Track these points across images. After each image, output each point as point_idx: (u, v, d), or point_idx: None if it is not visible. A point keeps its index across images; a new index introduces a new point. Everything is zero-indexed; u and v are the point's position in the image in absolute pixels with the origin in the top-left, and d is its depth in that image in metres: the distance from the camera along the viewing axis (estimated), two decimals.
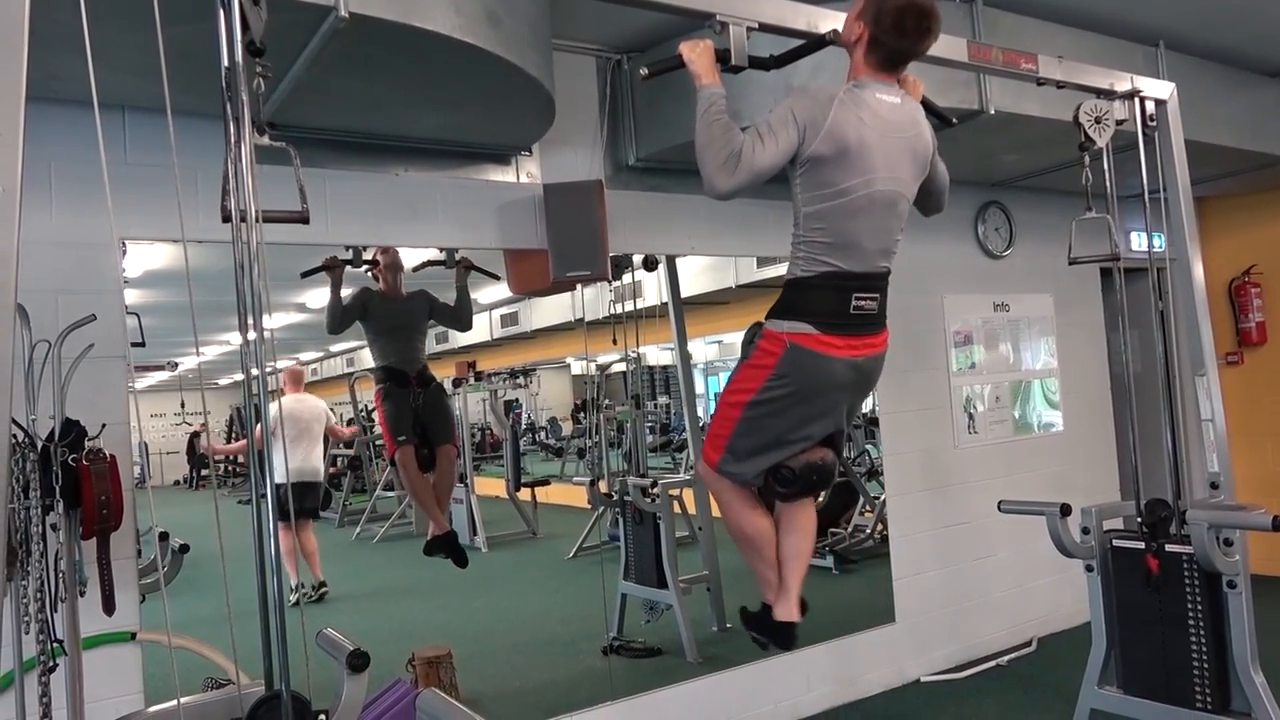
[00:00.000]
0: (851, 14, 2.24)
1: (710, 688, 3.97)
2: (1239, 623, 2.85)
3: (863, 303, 2.23)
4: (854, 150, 2.14)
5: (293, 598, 4.82)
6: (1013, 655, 4.81)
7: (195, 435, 6.40)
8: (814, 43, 2.34)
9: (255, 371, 1.58)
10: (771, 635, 2.49)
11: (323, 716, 1.61)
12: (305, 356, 6.69)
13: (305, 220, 1.70)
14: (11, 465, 1.79)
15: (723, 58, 2.24)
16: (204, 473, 6.74)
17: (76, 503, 2.14)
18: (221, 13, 1.54)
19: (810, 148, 2.14)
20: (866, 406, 4.65)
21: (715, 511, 5.05)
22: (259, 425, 1.58)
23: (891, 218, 2.26)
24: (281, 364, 6.18)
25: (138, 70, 2.31)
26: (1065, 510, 3.12)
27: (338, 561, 5.99)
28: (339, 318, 4.10)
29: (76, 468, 2.12)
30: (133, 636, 2.76)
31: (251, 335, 1.57)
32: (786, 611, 2.45)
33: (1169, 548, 3.03)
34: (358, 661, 1.73)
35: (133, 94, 2.66)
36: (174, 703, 1.63)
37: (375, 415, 4.46)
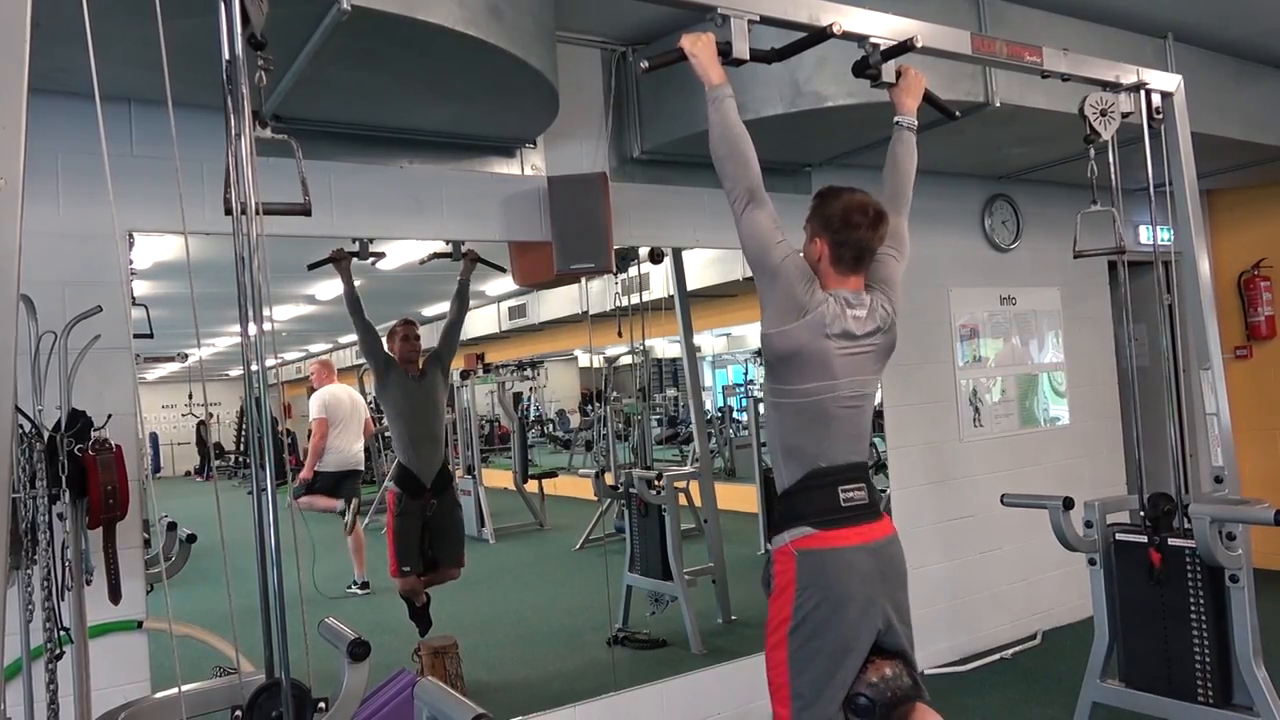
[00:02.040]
0: (805, 245, 2.34)
1: (715, 679, 3.98)
2: (1241, 617, 2.85)
3: (851, 493, 2.25)
4: (810, 359, 2.22)
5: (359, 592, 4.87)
6: (1017, 649, 4.81)
7: (201, 424, 6.43)
8: (815, 35, 2.33)
9: (255, 365, 1.59)
10: None
11: (323, 704, 1.63)
12: (314, 348, 6.72)
13: (307, 213, 1.72)
14: (15, 454, 1.81)
15: (724, 51, 2.24)
16: (217, 463, 6.79)
17: (83, 492, 2.16)
18: (222, 6, 1.55)
19: (768, 327, 2.23)
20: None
21: (720, 504, 5.09)
22: (259, 416, 1.59)
23: (860, 417, 2.33)
24: (288, 356, 6.22)
25: (143, 63, 2.32)
26: (1068, 504, 3.12)
27: (345, 552, 6.02)
28: (358, 306, 4.12)
29: (83, 458, 2.14)
30: (139, 625, 2.78)
31: (253, 328, 1.58)
32: None
33: (1172, 542, 3.02)
34: (358, 650, 1.75)
35: (138, 86, 2.67)
36: (175, 690, 1.65)
37: (386, 524, 4.39)
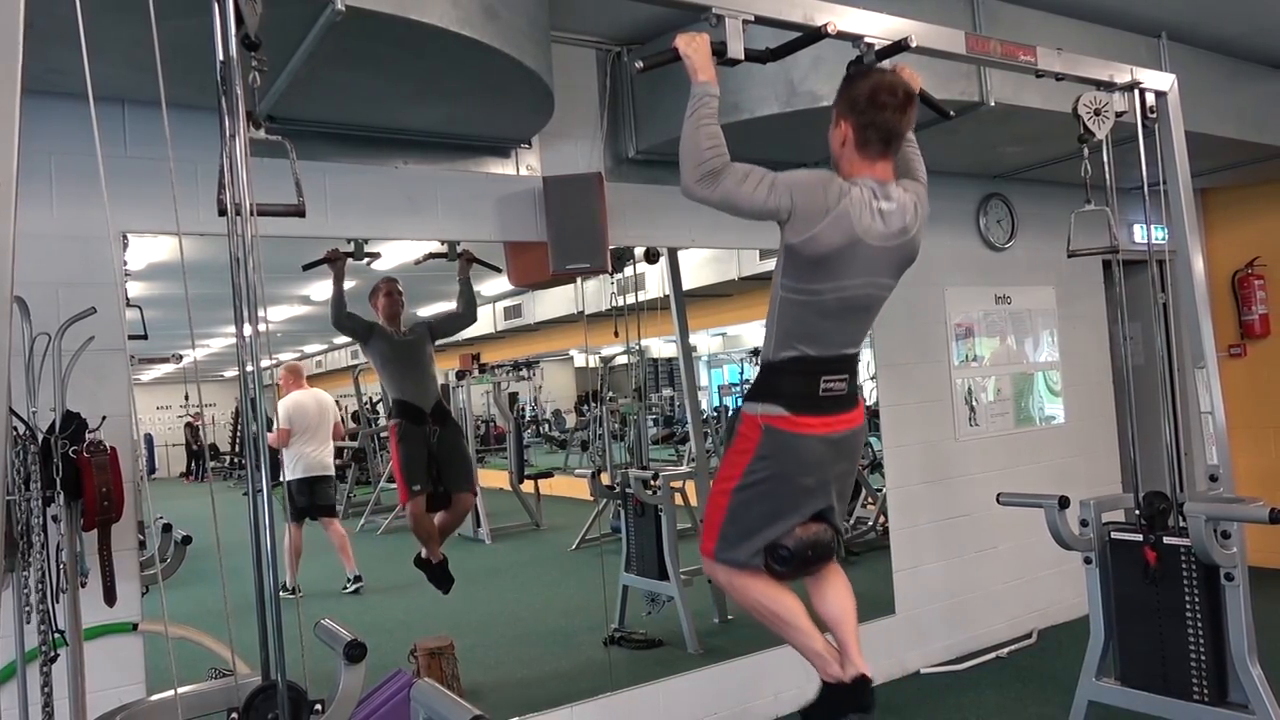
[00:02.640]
0: (831, 126, 2.30)
1: (711, 679, 3.98)
2: (1236, 615, 2.85)
3: (831, 384, 2.27)
4: (833, 259, 2.19)
5: (288, 596, 4.89)
6: (1012, 647, 4.81)
7: (188, 427, 6.43)
8: (810, 35, 2.34)
9: (250, 367, 1.59)
10: (848, 703, 2.39)
11: (319, 706, 1.63)
12: (309, 349, 6.72)
13: (301, 214, 1.72)
14: (10, 456, 1.81)
15: (719, 51, 2.24)
16: (212, 464, 6.78)
17: (77, 494, 2.15)
18: (216, 7, 1.55)
19: (792, 237, 2.18)
20: (869, 400, 4.65)
21: None
22: (255, 419, 1.59)
23: (864, 318, 2.34)
24: (283, 357, 6.21)
25: (137, 64, 2.31)
26: (1064, 503, 3.13)
27: (331, 551, 6.02)
28: (342, 311, 4.11)
29: (77, 460, 2.13)
30: (134, 627, 2.77)
31: (248, 329, 1.58)
32: (853, 669, 2.37)
33: (1167, 540, 3.03)
34: (355, 652, 1.75)
35: (132, 87, 2.66)
36: (171, 692, 1.65)
37: (389, 451, 4.40)
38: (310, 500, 5.05)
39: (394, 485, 6.35)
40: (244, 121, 1.55)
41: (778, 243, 2.27)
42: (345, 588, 5.05)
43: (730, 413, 2.41)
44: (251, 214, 1.55)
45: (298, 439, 5.07)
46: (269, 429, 4.93)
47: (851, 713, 2.40)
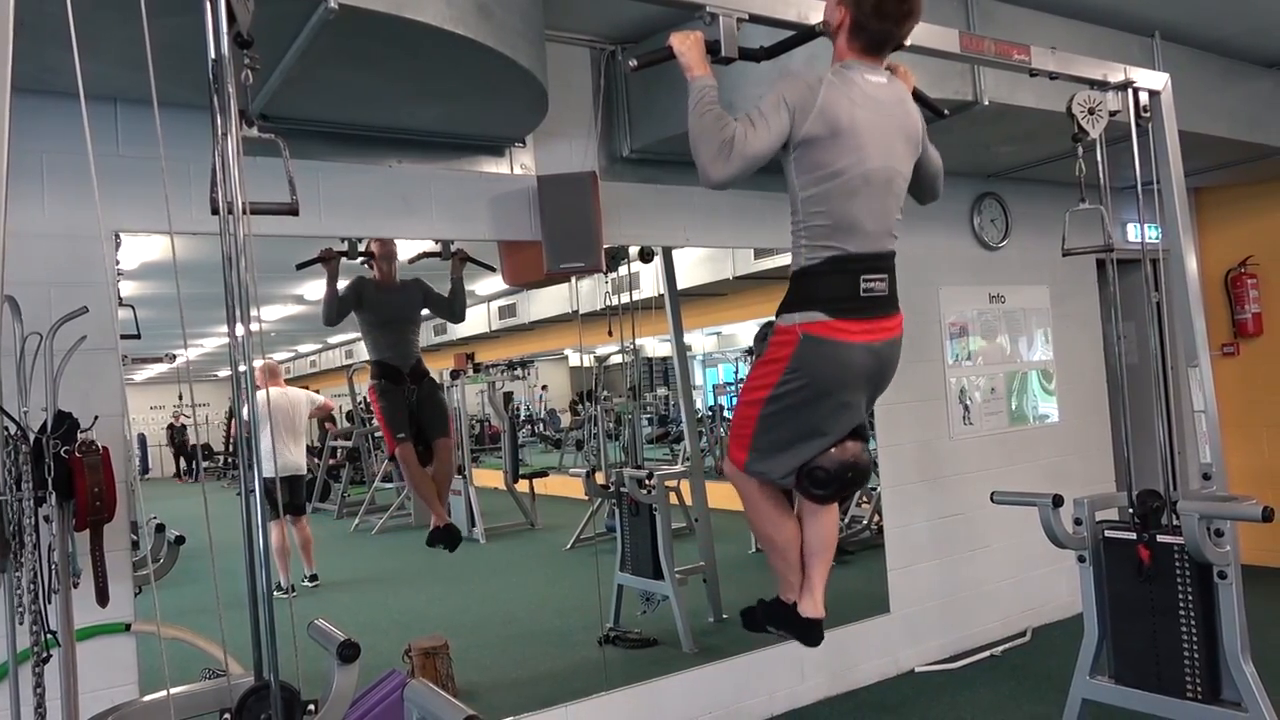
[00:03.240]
0: (828, 5, 2.24)
1: (706, 678, 3.99)
2: (1229, 613, 2.86)
3: (872, 283, 2.17)
4: (845, 129, 2.12)
5: (282, 595, 4.89)
6: (1007, 646, 4.83)
7: (171, 427, 6.43)
8: (804, 34, 2.34)
9: (243, 366, 1.59)
10: (797, 631, 2.45)
11: (312, 707, 1.62)
12: (303, 348, 6.70)
13: (295, 212, 1.71)
14: (2, 456, 1.80)
15: (713, 49, 2.24)
16: (205, 465, 6.77)
17: (69, 495, 2.14)
18: (208, 5, 1.54)
19: (802, 130, 2.12)
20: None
21: (711, 503, 5.09)
22: (247, 419, 1.58)
23: (889, 196, 2.23)
24: (277, 356, 6.20)
25: (129, 62, 2.31)
26: (1058, 501, 3.13)
27: (336, 553, 6.01)
28: (335, 309, 4.11)
29: (69, 460, 2.12)
30: (127, 628, 2.76)
31: (240, 329, 1.57)
32: (813, 607, 2.42)
33: (1160, 538, 3.04)
34: (348, 652, 1.74)
35: (124, 86, 2.66)
36: (164, 693, 1.64)
37: (372, 410, 4.45)
38: (286, 498, 5.08)
39: (388, 485, 6.39)
40: (236, 120, 1.54)
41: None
42: (303, 582, 5.13)
43: (761, 327, 2.32)
44: (244, 212, 1.55)
45: (262, 434, 5.07)
46: (261, 429, 4.93)
47: (799, 639, 2.47)
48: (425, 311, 4.50)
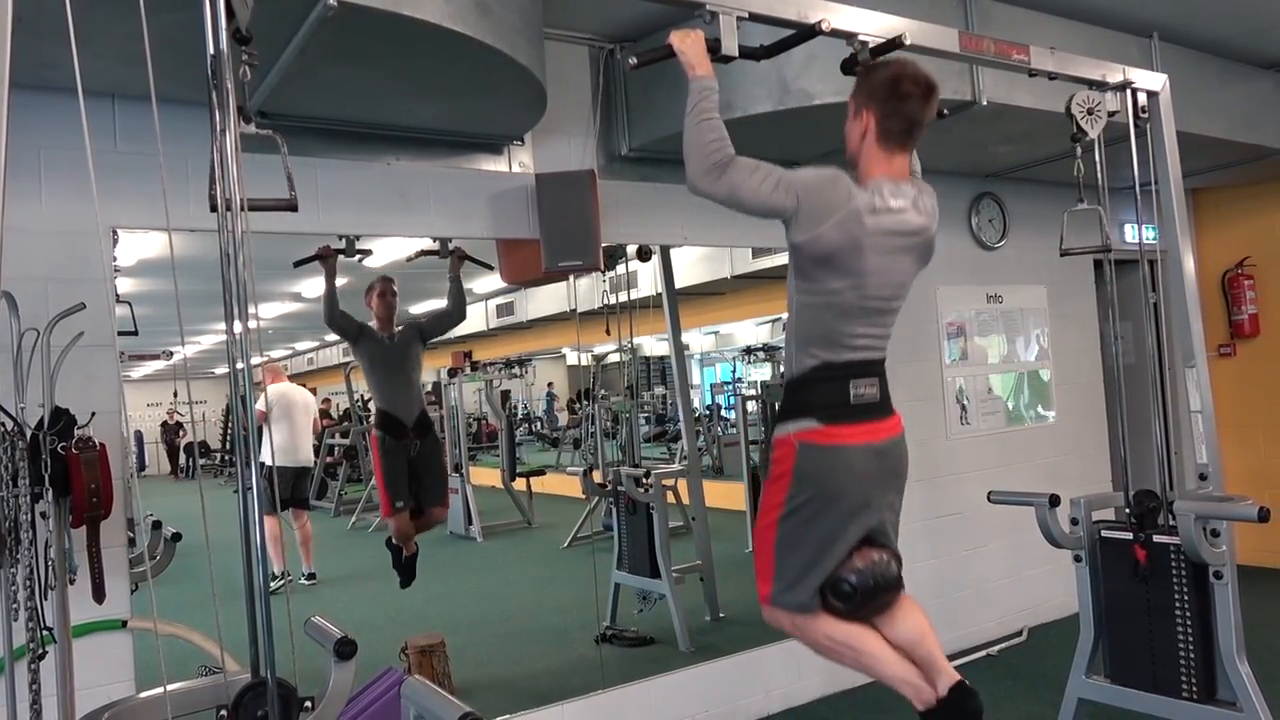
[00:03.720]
0: (849, 119, 2.23)
1: (702, 676, 3.98)
2: (1225, 613, 2.86)
3: (862, 390, 2.17)
4: (849, 256, 2.10)
5: (274, 584, 4.90)
6: (1003, 645, 4.83)
7: (164, 425, 6.45)
8: (804, 33, 2.33)
9: (241, 364, 1.58)
10: (963, 717, 2.19)
11: (309, 703, 1.62)
12: (301, 346, 6.70)
13: (293, 208, 1.71)
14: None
15: (713, 47, 2.23)
16: (202, 463, 6.77)
17: (66, 491, 2.14)
18: (207, 1, 1.54)
19: (807, 233, 2.10)
20: None
21: (708, 502, 5.09)
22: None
23: (886, 317, 2.25)
24: (274, 354, 6.21)
25: (127, 58, 2.31)
26: (1054, 501, 3.13)
27: (333, 550, 6.01)
28: (335, 308, 4.10)
29: (66, 456, 2.12)
30: (124, 624, 2.76)
31: (238, 326, 1.57)
32: (947, 681, 2.19)
33: (1157, 538, 3.04)
34: (345, 649, 1.74)
35: (122, 82, 2.66)
36: (160, 690, 1.64)
37: (372, 462, 4.43)
38: (290, 492, 5.12)
39: None
40: (235, 116, 1.54)
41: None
42: (300, 580, 5.19)
43: (761, 444, 2.31)
44: (242, 209, 1.54)
45: (277, 425, 5.13)
46: (260, 426, 4.98)
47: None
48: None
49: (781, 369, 2.27)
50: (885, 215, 2.14)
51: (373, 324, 4.29)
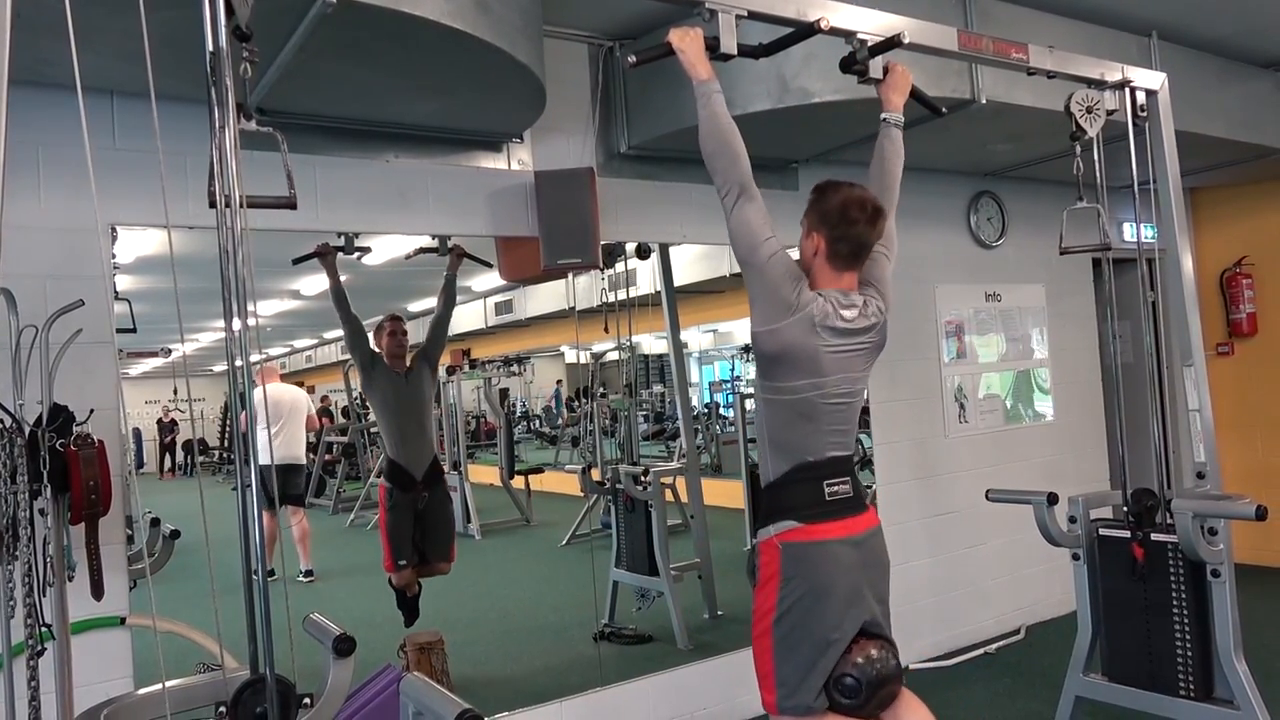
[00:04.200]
0: (802, 240, 2.33)
1: (701, 674, 3.99)
2: (1222, 611, 2.87)
3: (836, 488, 2.27)
4: (799, 358, 2.22)
5: (271, 575, 4.90)
6: (1000, 643, 4.84)
7: (160, 422, 6.46)
8: (803, 31, 2.34)
9: (240, 361, 1.59)
10: None
11: (308, 700, 1.62)
12: (299, 344, 6.69)
13: (292, 205, 1.71)
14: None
15: (712, 46, 2.24)
16: (200, 459, 6.77)
17: (64, 488, 2.14)
18: None
19: (757, 325, 2.23)
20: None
21: (706, 500, 5.09)
22: (244, 412, 1.58)
23: (848, 414, 2.34)
24: (273, 352, 6.21)
25: (125, 55, 2.31)
26: (1053, 499, 3.14)
27: (331, 548, 6.01)
28: (347, 309, 4.09)
29: (64, 453, 2.12)
30: (122, 621, 2.76)
31: (237, 323, 1.57)
32: None
33: (1154, 537, 3.05)
34: (344, 646, 1.74)
35: (121, 79, 2.65)
36: (159, 686, 1.64)
37: (378, 517, 4.40)
38: (282, 489, 5.11)
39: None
40: (234, 113, 1.54)
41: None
42: (298, 577, 5.20)
43: (748, 555, 2.37)
44: (241, 205, 1.54)
45: (272, 426, 5.14)
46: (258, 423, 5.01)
47: None
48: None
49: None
50: (835, 321, 2.24)
51: (385, 362, 4.26)
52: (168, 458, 7.01)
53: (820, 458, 2.27)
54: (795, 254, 2.33)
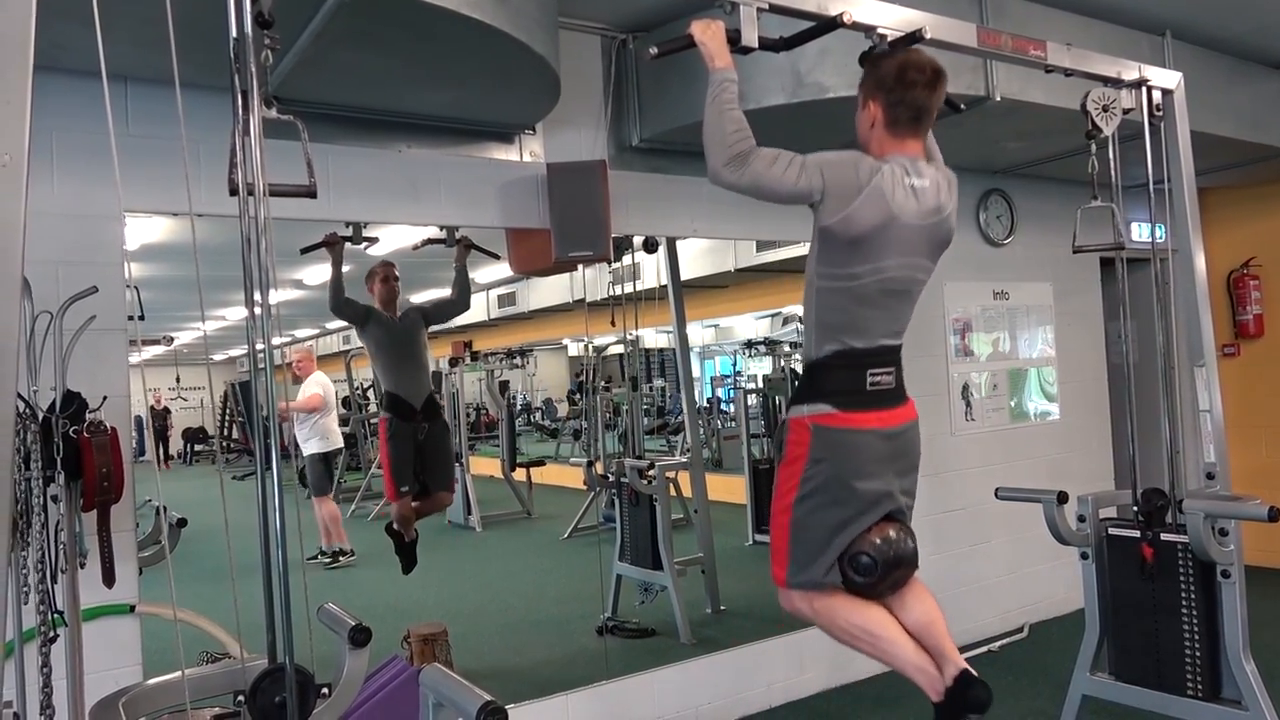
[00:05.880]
0: (859, 109, 2.28)
1: (704, 669, 3.99)
2: (1232, 612, 2.87)
3: (878, 378, 2.20)
4: (870, 239, 2.13)
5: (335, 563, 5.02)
6: (1004, 641, 4.84)
7: (152, 410, 6.46)
8: (824, 25, 2.32)
9: (260, 346, 1.58)
10: (963, 708, 2.24)
11: (325, 690, 1.62)
12: (301, 333, 6.68)
13: (313, 194, 1.69)
14: (12, 436, 1.78)
15: (733, 38, 2.22)
16: (202, 448, 6.75)
17: (77, 474, 2.13)
18: None
19: (832, 217, 2.12)
20: None
21: (712, 495, 5.09)
22: (265, 400, 1.57)
23: (904, 304, 2.27)
24: (278, 341, 6.22)
25: (142, 41, 2.28)
26: (1062, 498, 3.14)
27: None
28: (341, 295, 4.09)
29: (78, 439, 2.11)
30: (132, 609, 2.76)
31: (258, 310, 1.57)
32: (954, 670, 2.24)
33: (1164, 537, 3.04)
34: (360, 636, 1.74)
35: (135, 65, 2.62)
36: (178, 674, 1.64)
37: (378, 445, 4.45)
38: (327, 470, 5.26)
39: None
40: (258, 100, 1.52)
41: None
42: (313, 557, 5.27)
43: (778, 428, 2.32)
44: (264, 194, 1.53)
45: (325, 413, 5.20)
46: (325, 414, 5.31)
47: (967, 714, 2.26)
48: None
49: (781, 363, 2.30)
50: (906, 190, 2.15)
51: (378, 308, 4.29)
52: (160, 446, 6.99)
53: (871, 345, 2.20)
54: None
